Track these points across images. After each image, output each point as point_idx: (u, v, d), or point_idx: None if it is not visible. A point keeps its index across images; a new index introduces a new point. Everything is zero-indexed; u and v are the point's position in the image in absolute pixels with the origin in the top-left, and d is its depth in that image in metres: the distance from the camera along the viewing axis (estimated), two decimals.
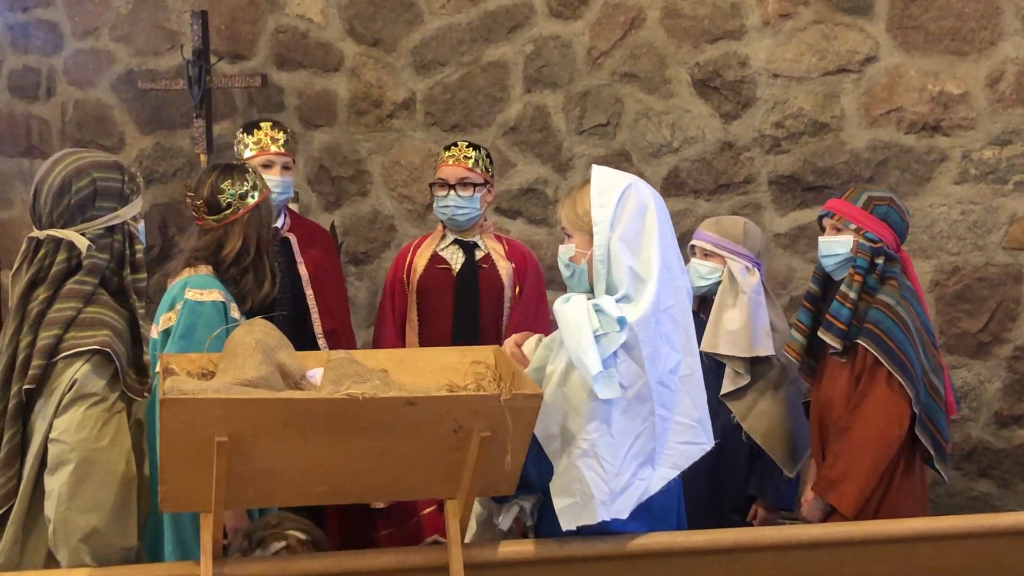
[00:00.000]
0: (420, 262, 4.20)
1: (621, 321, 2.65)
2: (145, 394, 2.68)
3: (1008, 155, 4.76)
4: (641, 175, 5.10)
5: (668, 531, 2.90)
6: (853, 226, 3.55)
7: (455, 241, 4.21)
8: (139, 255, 2.71)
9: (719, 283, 3.87)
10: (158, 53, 5.87)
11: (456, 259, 4.18)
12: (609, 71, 5.22)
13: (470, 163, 4.14)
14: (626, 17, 5.17)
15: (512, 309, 4.13)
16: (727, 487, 3.84)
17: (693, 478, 3.04)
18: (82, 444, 2.49)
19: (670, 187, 5.17)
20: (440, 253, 4.20)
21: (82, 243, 2.61)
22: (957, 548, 2.97)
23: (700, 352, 3.76)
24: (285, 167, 4.11)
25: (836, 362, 3.58)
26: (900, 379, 3.41)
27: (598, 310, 2.67)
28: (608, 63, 5.22)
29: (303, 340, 3.90)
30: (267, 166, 4.06)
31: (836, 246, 3.59)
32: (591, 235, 2.76)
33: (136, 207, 2.75)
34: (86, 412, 2.51)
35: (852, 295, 3.51)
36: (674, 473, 2.80)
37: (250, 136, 4.11)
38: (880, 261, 3.50)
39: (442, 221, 4.22)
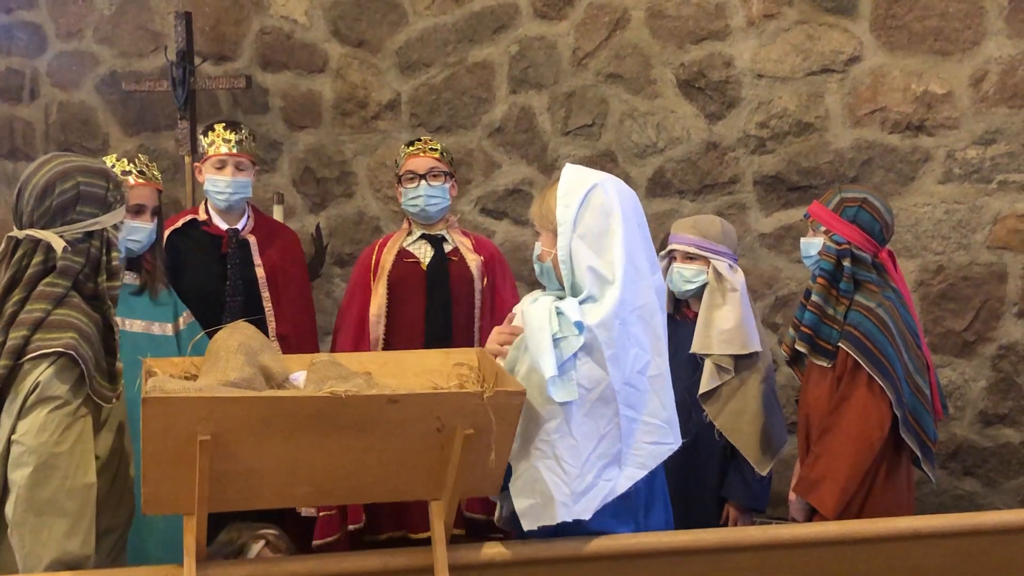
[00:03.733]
0: (388, 258, 4.18)
1: (579, 325, 2.64)
2: (114, 400, 2.64)
3: (992, 154, 4.77)
4: (626, 176, 5.16)
5: (654, 530, 2.91)
6: (823, 228, 3.56)
7: (422, 236, 4.20)
8: (115, 262, 2.69)
9: (704, 285, 3.87)
10: (142, 55, 5.86)
11: (424, 253, 4.17)
12: (594, 72, 5.22)
13: (436, 154, 4.14)
14: (611, 18, 5.18)
15: (484, 304, 4.12)
16: (698, 487, 3.84)
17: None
18: (42, 448, 2.46)
19: (655, 188, 5.18)
20: (408, 248, 4.19)
21: (58, 244, 2.59)
22: (942, 547, 2.98)
23: (691, 353, 3.81)
24: (238, 167, 4.07)
25: (819, 366, 3.59)
26: (880, 381, 3.41)
27: (559, 313, 2.67)
28: (593, 64, 5.22)
29: None
30: (219, 167, 4.05)
31: (810, 248, 3.61)
32: (556, 234, 2.77)
33: (118, 215, 2.73)
34: (48, 415, 2.48)
35: (816, 299, 3.52)
36: (642, 473, 2.79)
37: (205, 138, 4.10)
38: (847, 263, 3.49)
39: (410, 216, 4.20)
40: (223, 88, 5.50)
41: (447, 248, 4.17)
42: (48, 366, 2.50)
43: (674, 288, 3.90)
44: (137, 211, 3.52)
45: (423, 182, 4.10)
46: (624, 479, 2.77)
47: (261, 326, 4.06)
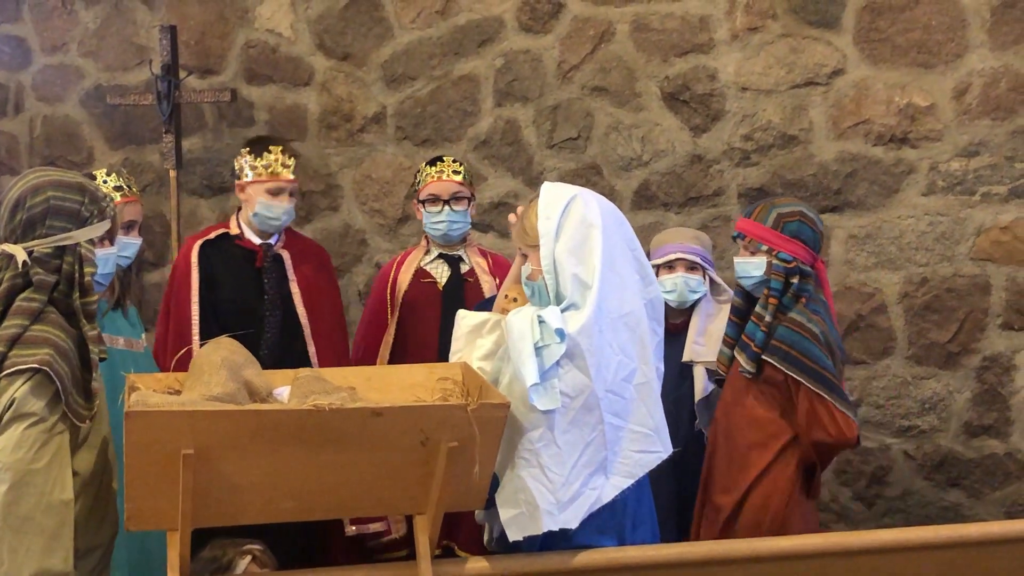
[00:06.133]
0: (404, 277, 4.18)
1: (560, 333, 2.65)
2: (88, 421, 2.61)
3: (975, 166, 4.79)
4: (612, 188, 5.17)
5: (640, 544, 2.91)
6: (765, 247, 3.49)
7: (440, 255, 4.20)
8: (87, 279, 2.65)
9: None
10: (127, 68, 5.85)
11: (441, 273, 4.17)
12: (579, 85, 5.23)
13: (460, 177, 4.15)
14: (595, 31, 5.19)
15: None
16: (691, 497, 3.84)
17: (656, 491, 3.05)
18: (17, 464, 2.44)
19: (641, 200, 5.18)
20: (425, 267, 4.19)
21: (20, 256, 2.57)
22: (927, 558, 2.99)
23: (684, 362, 3.82)
24: (291, 193, 4.07)
25: (741, 380, 3.53)
26: (827, 396, 3.38)
27: (541, 322, 2.68)
28: (578, 77, 5.23)
29: (292, 359, 3.85)
30: (275, 193, 4.02)
31: (751, 268, 3.51)
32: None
33: (96, 230, 2.69)
34: (24, 432, 2.46)
35: (768, 317, 3.45)
36: (628, 482, 2.79)
37: (259, 159, 4.03)
38: (795, 281, 3.44)
39: (432, 237, 4.19)
40: (208, 101, 5.49)
41: (463, 269, 4.17)
42: (23, 383, 2.48)
43: (678, 297, 3.89)
44: (128, 227, 3.52)
45: (446, 207, 4.10)
46: (610, 488, 2.77)
47: (301, 347, 4.04)
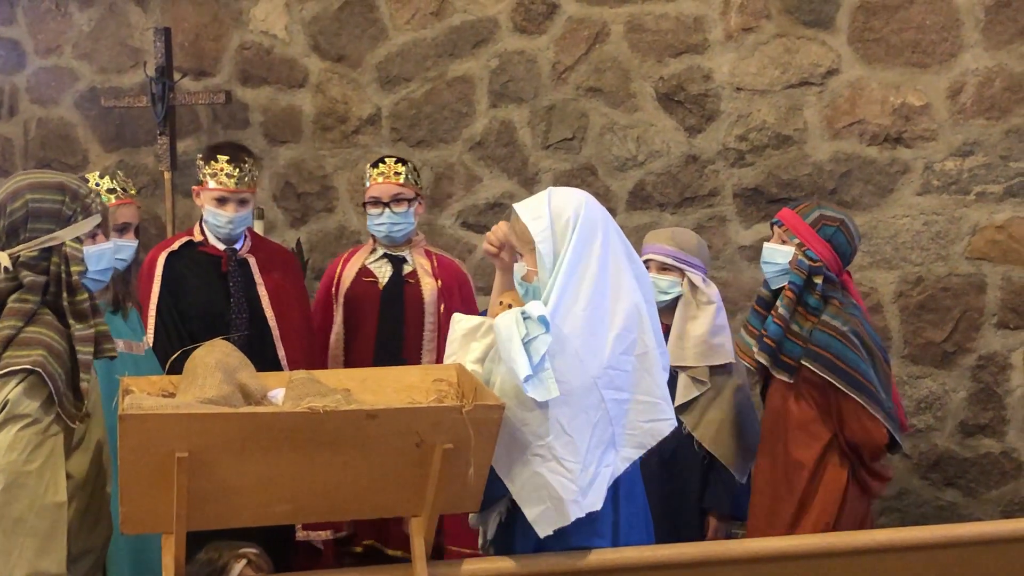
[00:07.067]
0: (348, 274, 4.19)
1: (543, 320, 2.65)
2: (78, 421, 2.59)
3: (969, 166, 4.79)
4: (607, 189, 5.18)
5: (635, 545, 2.91)
6: (797, 240, 3.54)
7: (384, 255, 4.20)
8: (75, 278, 2.63)
9: (678, 297, 3.88)
10: (121, 70, 5.85)
11: (383, 273, 4.17)
12: (574, 86, 5.23)
13: (401, 179, 4.13)
14: (590, 32, 5.19)
15: (439, 329, 4.09)
16: (681, 503, 3.84)
17: (647, 491, 3.04)
18: (10, 466, 2.43)
19: (636, 200, 5.18)
20: (368, 266, 4.19)
21: (4, 262, 2.56)
22: (922, 559, 2.99)
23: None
24: (241, 203, 4.01)
25: (781, 383, 3.57)
26: (862, 401, 3.42)
27: (525, 317, 2.68)
28: (573, 78, 5.23)
29: (261, 362, 3.84)
30: (220, 201, 3.99)
31: (777, 255, 3.57)
32: (536, 250, 2.78)
33: (82, 227, 2.66)
34: (17, 434, 2.45)
35: (783, 311, 3.49)
36: (639, 453, 2.80)
37: (206, 165, 4.00)
38: (819, 281, 3.48)
39: (376, 238, 4.21)
40: (203, 103, 5.49)
41: (406, 270, 4.17)
42: (17, 384, 2.47)
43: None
44: (123, 229, 3.51)
45: (387, 210, 4.11)
46: (621, 461, 2.78)
47: (270, 351, 4.04)
